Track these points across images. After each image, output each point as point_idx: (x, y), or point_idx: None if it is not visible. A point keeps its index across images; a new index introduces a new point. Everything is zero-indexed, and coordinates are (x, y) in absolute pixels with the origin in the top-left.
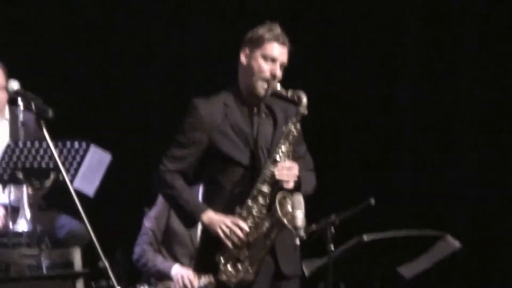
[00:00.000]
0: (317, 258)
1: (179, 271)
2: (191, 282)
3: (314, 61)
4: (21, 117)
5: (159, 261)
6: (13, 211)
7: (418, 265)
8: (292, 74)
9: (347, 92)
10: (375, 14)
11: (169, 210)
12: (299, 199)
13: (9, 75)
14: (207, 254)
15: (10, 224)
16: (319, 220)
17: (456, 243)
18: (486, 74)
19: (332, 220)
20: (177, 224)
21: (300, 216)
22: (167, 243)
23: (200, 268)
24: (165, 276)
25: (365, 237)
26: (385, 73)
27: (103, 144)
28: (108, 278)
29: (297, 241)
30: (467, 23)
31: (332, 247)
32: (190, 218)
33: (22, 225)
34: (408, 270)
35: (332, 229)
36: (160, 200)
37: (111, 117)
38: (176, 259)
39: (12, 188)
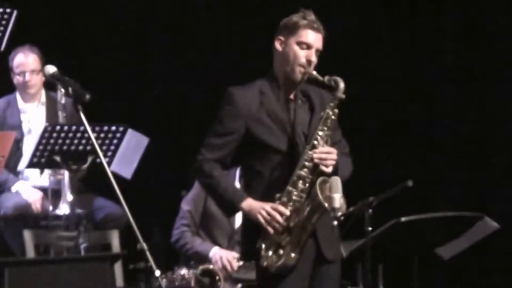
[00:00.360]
0: (355, 240)
1: (218, 252)
2: (230, 263)
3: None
4: (62, 100)
5: (197, 243)
6: (53, 194)
7: (457, 246)
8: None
9: (380, 75)
10: None
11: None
12: (337, 182)
13: (47, 59)
14: (248, 241)
15: (50, 207)
16: (357, 202)
17: (494, 224)
18: None
19: (370, 202)
20: (214, 206)
21: (338, 198)
22: (205, 225)
23: (242, 254)
24: (204, 258)
25: (403, 218)
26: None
27: (140, 127)
28: (147, 260)
29: (335, 223)
30: None
31: (369, 228)
32: (230, 207)
33: (64, 209)
34: (446, 251)
35: (370, 211)
36: (197, 183)
37: (148, 100)
38: (214, 241)
39: (52, 172)
